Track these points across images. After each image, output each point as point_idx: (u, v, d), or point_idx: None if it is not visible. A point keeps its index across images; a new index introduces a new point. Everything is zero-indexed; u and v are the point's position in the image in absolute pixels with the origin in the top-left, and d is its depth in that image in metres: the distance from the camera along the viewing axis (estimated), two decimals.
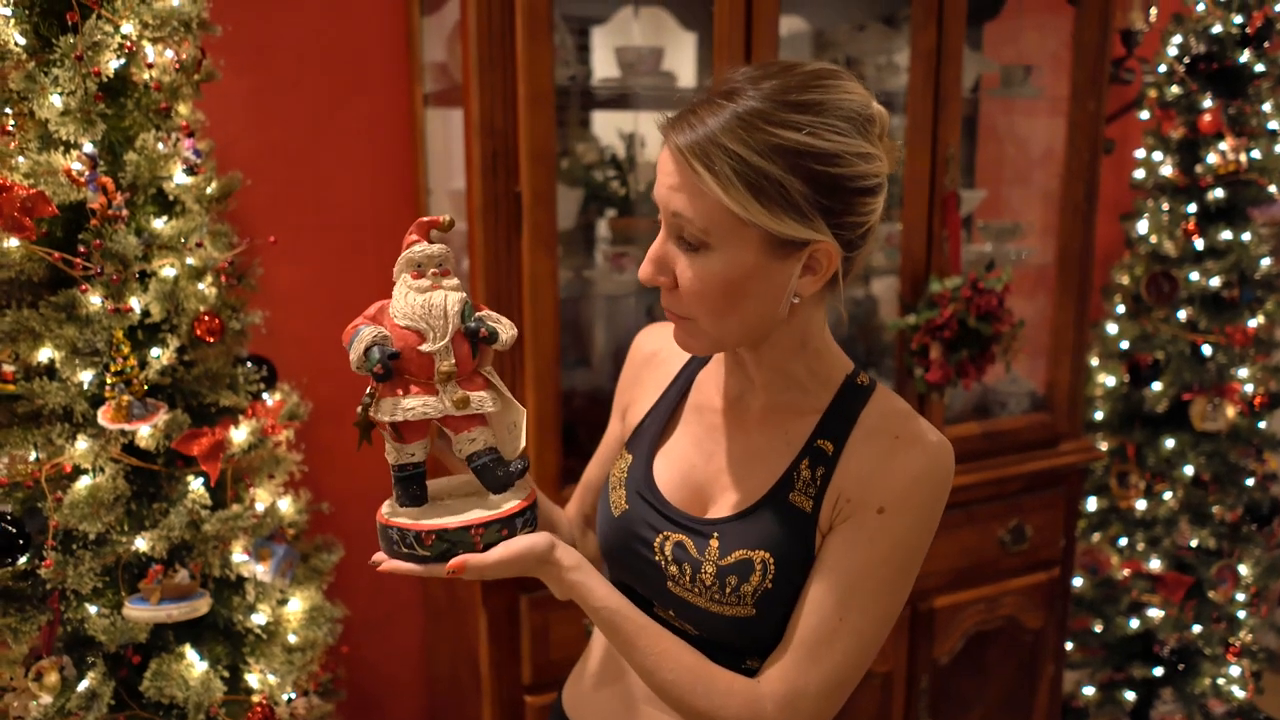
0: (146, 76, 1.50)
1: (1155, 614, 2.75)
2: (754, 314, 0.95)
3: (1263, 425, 2.74)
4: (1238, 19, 2.56)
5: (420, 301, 0.95)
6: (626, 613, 1.00)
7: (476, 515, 0.98)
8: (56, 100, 1.39)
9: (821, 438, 1.01)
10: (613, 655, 1.15)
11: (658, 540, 1.05)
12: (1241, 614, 2.78)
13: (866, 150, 0.91)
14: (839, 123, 0.90)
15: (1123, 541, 2.84)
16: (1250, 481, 2.72)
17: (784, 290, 0.94)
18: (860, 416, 1.02)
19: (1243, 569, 2.74)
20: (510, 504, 1.00)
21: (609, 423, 1.27)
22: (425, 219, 0.99)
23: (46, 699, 1.46)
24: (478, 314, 0.98)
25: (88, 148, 1.42)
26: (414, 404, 0.95)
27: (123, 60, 1.46)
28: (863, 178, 0.92)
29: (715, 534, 1.02)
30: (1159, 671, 2.80)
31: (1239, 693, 2.77)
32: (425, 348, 0.95)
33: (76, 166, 1.41)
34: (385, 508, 1.04)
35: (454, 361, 0.95)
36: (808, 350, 1.03)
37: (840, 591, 0.97)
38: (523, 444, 1.00)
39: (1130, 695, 2.89)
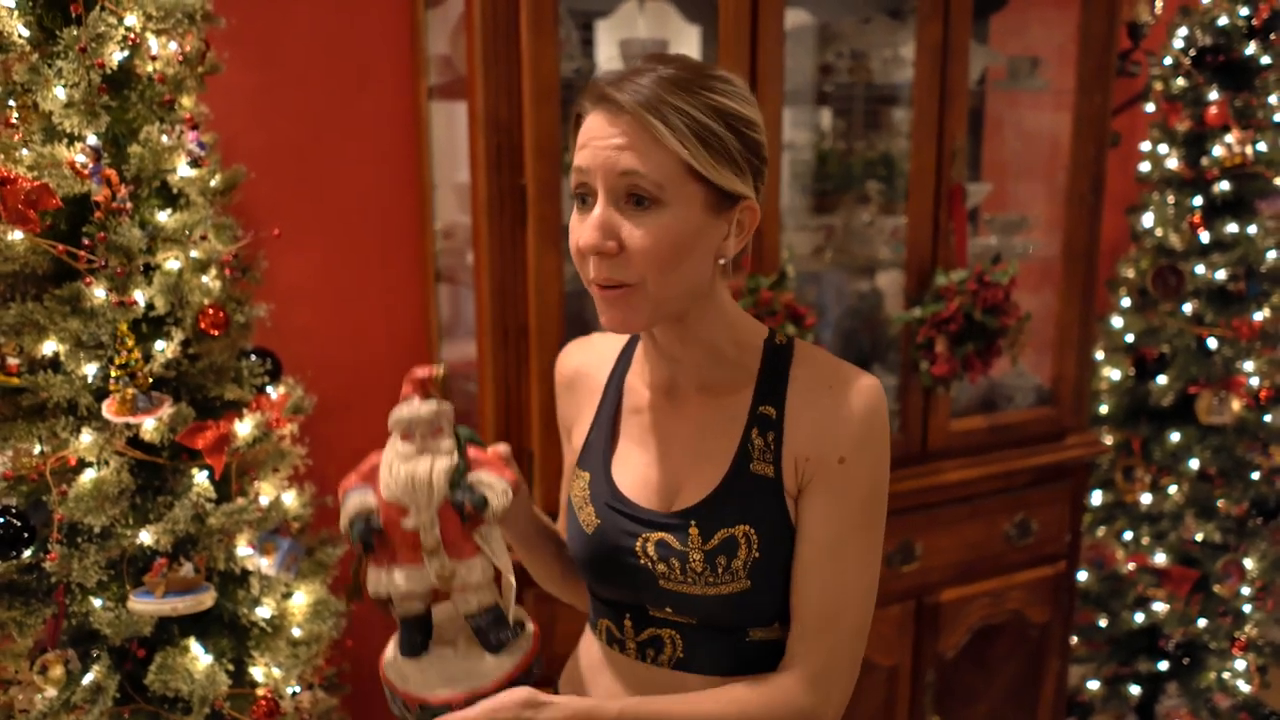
0: (150, 69, 1.50)
1: (1161, 608, 2.74)
2: (693, 274, 0.98)
3: (1269, 419, 2.73)
4: (1244, 11, 2.54)
5: (405, 473, 0.93)
6: (643, 706, 1.01)
7: (464, 688, 0.96)
8: (60, 92, 1.39)
9: (762, 404, 1.04)
10: (602, 657, 1.16)
11: (638, 545, 1.06)
12: (1247, 608, 2.77)
13: (761, 124, 0.99)
14: (747, 94, 0.99)
15: (1128, 536, 2.83)
16: (1256, 475, 2.71)
17: (715, 251, 0.99)
18: (790, 375, 1.05)
19: (1248, 563, 2.73)
20: (505, 669, 0.98)
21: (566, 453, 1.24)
22: (419, 374, 0.96)
23: (51, 692, 1.46)
24: (471, 476, 0.95)
25: (92, 140, 1.41)
26: (399, 580, 0.95)
27: (126, 52, 1.45)
28: (764, 147, 1.00)
29: (692, 522, 1.03)
30: (1164, 666, 2.80)
31: (1244, 687, 2.77)
32: (408, 524, 0.93)
33: (80, 159, 1.41)
34: (388, 651, 1.03)
35: (438, 535, 0.93)
36: (726, 319, 1.06)
37: (830, 554, 1.02)
38: (513, 607, 1.00)
39: (1135, 690, 2.89)
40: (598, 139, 0.95)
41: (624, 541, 1.07)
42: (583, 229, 0.96)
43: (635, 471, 1.10)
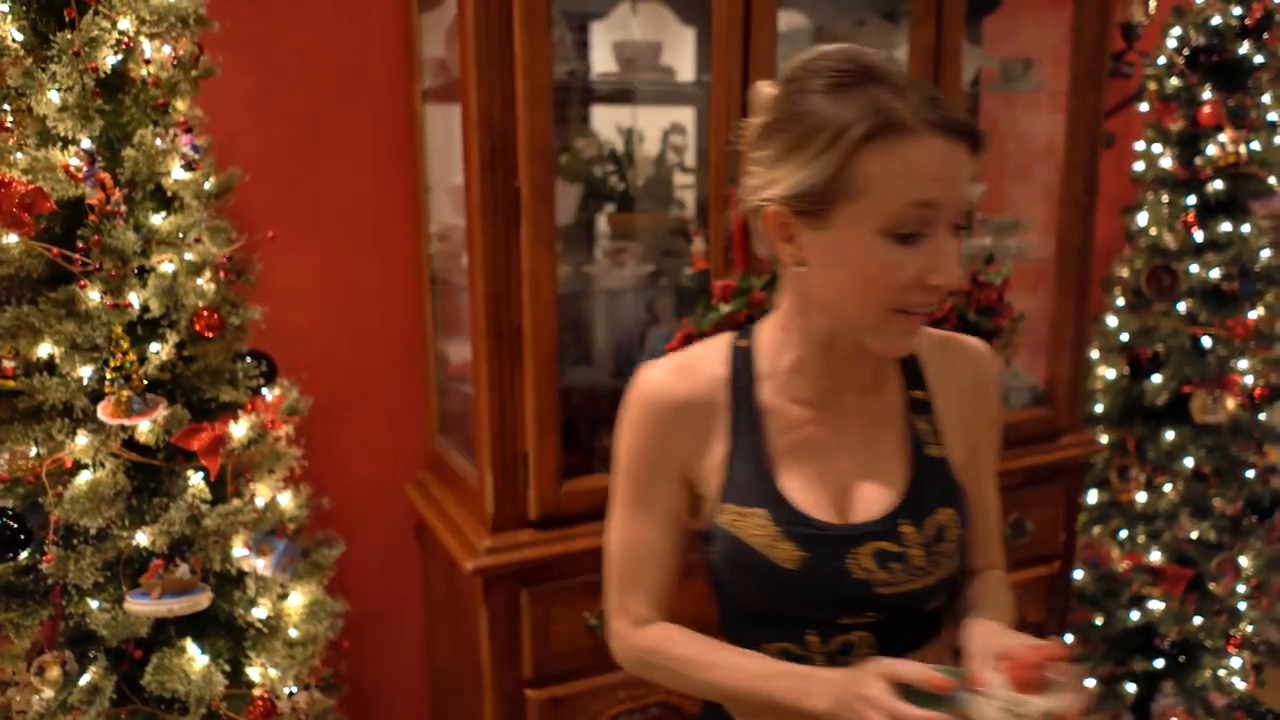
0: (144, 72, 1.50)
1: (1156, 607, 2.75)
2: None
3: (1263, 418, 2.73)
4: (1237, 11, 2.55)
5: None
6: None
7: None
8: (54, 96, 1.39)
9: (912, 390, 1.11)
10: None
11: (849, 562, 1.04)
12: (1242, 606, 2.78)
13: None
14: None
15: (1123, 535, 2.84)
16: (1251, 474, 2.72)
17: None
18: (920, 358, 1.12)
19: (1243, 561, 2.74)
20: None
21: (648, 490, 1.13)
22: (1037, 658, 0.89)
23: (48, 693, 1.47)
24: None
25: (86, 143, 1.42)
26: None
27: (120, 56, 1.46)
28: None
29: (902, 521, 1.05)
30: (1160, 664, 2.80)
31: (1240, 685, 2.77)
32: None
33: (74, 162, 1.41)
34: None
35: None
36: None
37: (992, 484, 1.18)
38: None
39: (1131, 688, 2.89)
40: (950, 171, 0.92)
41: (835, 565, 1.04)
42: (950, 266, 0.93)
43: (811, 492, 1.06)
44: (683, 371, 1.11)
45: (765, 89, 1.02)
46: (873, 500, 1.06)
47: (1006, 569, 1.22)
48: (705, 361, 1.12)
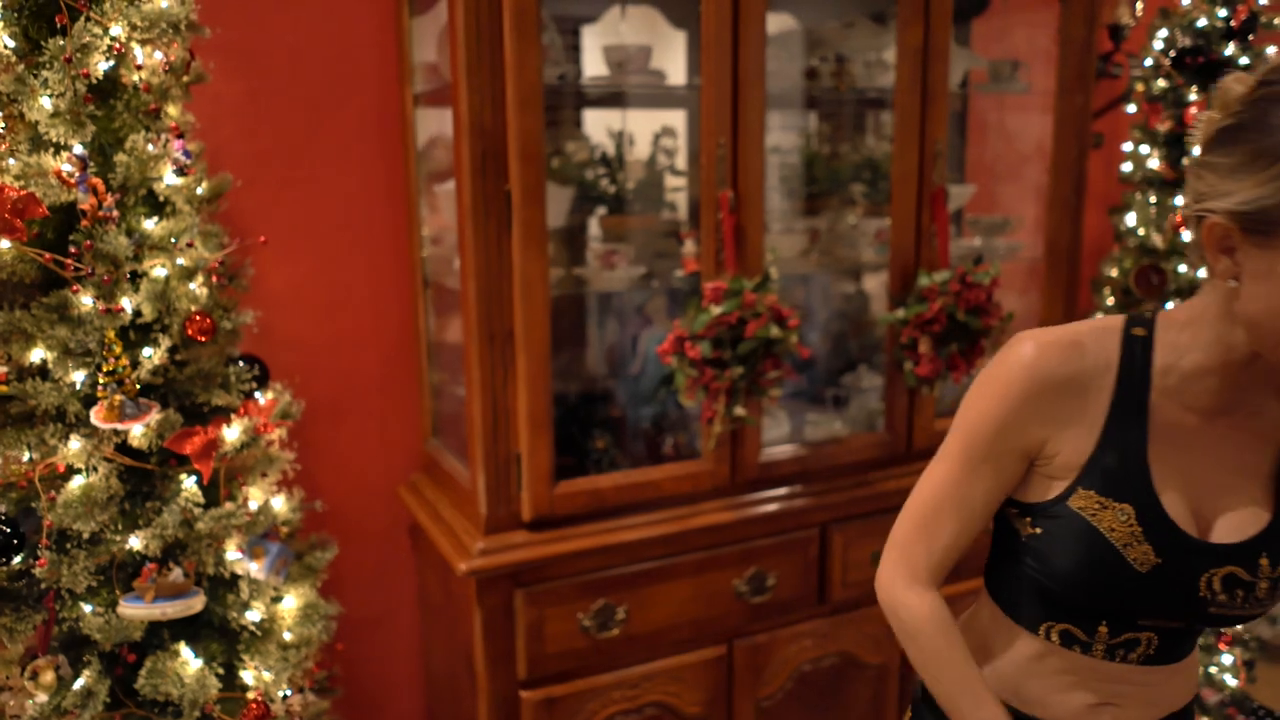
0: (136, 78, 1.51)
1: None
2: None
3: None
4: (1222, 12, 2.57)
5: None
6: None
7: None
8: (46, 102, 1.40)
9: None
10: (1045, 649, 1.12)
11: (1203, 580, 1.04)
12: None
13: None
14: None
15: None
16: None
17: None
18: None
19: None
20: None
21: (990, 452, 1.09)
22: None
23: (42, 697, 1.47)
24: None
25: (78, 149, 1.42)
26: None
27: (112, 62, 1.47)
28: None
29: (1263, 552, 1.03)
30: None
31: (1232, 681, 2.78)
32: None
33: (67, 168, 1.42)
34: None
35: None
36: None
37: None
38: None
39: None
40: None
41: (1186, 579, 1.03)
42: None
43: (1179, 501, 1.04)
44: (1073, 349, 1.06)
45: (1235, 86, 0.95)
46: (1236, 523, 1.04)
47: None
48: (1098, 343, 1.07)
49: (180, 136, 1.56)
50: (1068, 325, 1.09)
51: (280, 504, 1.72)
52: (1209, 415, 1.05)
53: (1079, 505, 1.05)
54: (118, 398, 1.45)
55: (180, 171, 1.54)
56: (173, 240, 1.52)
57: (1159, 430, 1.05)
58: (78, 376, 1.46)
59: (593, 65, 2.25)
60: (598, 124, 2.37)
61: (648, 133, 2.38)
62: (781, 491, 2.08)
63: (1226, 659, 2.79)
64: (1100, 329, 1.08)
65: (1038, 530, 1.09)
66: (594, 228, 2.28)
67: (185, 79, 1.61)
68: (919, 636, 1.13)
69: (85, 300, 1.44)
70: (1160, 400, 1.05)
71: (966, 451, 1.10)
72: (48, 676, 1.48)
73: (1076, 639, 1.10)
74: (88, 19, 1.42)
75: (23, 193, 1.37)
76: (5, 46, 1.40)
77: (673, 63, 2.30)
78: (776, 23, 2.30)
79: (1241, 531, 1.03)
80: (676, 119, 2.42)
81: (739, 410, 1.89)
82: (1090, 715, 1.11)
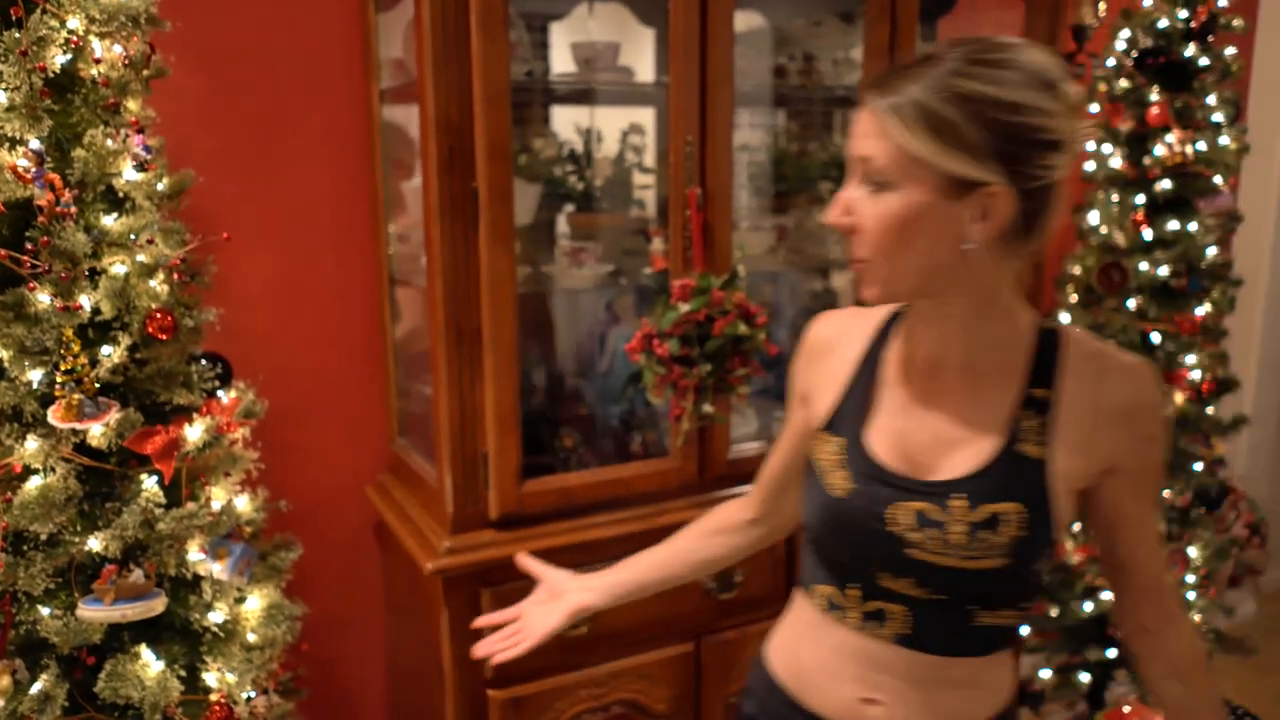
0: (94, 72, 1.48)
1: (1109, 597, 2.80)
2: (925, 255, 1.01)
3: (1210, 411, 2.80)
4: (1183, 14, 2.61)
5: None
6: None
7: None
8: (1, 96, 1.37)
9: (1035, 388, 1.09)
10: (819, 619, 1.20)
11: (889, 510, 1.08)
12: (1191, 596, 2.84)
13: (1045, 106, 0.97)
14: (1019, 76, 0.97)
15: (1076, 527, 2.89)
16: (1199, 467, 2.78)
17: (956, 234, 1.00)
18: (1064, 358, 1.10)
19: (1192, 552, 2.80)
20: None
21: (787, 415, 1.35)
22: None
23: None
24: None
25: (34, 144, 1.40)
26: None
27: (69, 56, 1.44)
28: (1040, 130, 0.97)
29: (956, 494, 1.07)
30: (1113, 653, 2.86)
31: None
32: None
33: (23, 163, 1.39)
34: None
35: None
36: (997, 307, 1.09)
37: (1149, 525, 1.14)
38: None
39: (1085, 677, 2.95)
40: (855, 127, 1.04)
41: (876, 508, 1.09)
42: (832, 203, 1.06)
43: (889, 441, 1.13)
44: (835, 319, 1.28)
45: None
46: (945, 470, 1.09)
47: (1183, 611, 1.19)
48: (869, 316, 1.23)
49: (140, 131, 1.53)
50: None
51: (244, 504, 1.70)
52: (929, 370, 1.13)
53: (813, 445, 1.20)
54: (76, 397, 1.42)
55: (140, 167, 1.52)
56: (132, 237, 1.50)
57: (887, 382, 1.16)
58: (34, 375, 1.43)
59: (560, 62, 2.24)
60: (565, 121, 2.36)
61: (616, 130, 2.38)
62: (750, 488, 2.08)
63: None
64: (885, 308, 1.21)
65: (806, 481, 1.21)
66: (562, 225, 2.27)
67: (145, 73, 1.59)
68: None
69: (42, 298, 1.41)
70: (892, 357, 1.17)
71: (787, 403, 1.34)
72: (3, 681, 1.45)
73: (835, 604, 1.16)
74: (44, 11, 1.39)
75: None
76: None
77: (641, 60, 2.30)
78: (745, 20, 2.30)
79: (946, 475, 1.09)
80: (645, 116, 2.42)
81: (707, 407, 1.89)
82: (858, 712, 1.14)
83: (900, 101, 0.97)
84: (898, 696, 1.12)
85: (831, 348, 1.23)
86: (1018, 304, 1.11)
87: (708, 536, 1.43)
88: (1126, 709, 2.81)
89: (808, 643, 1.21)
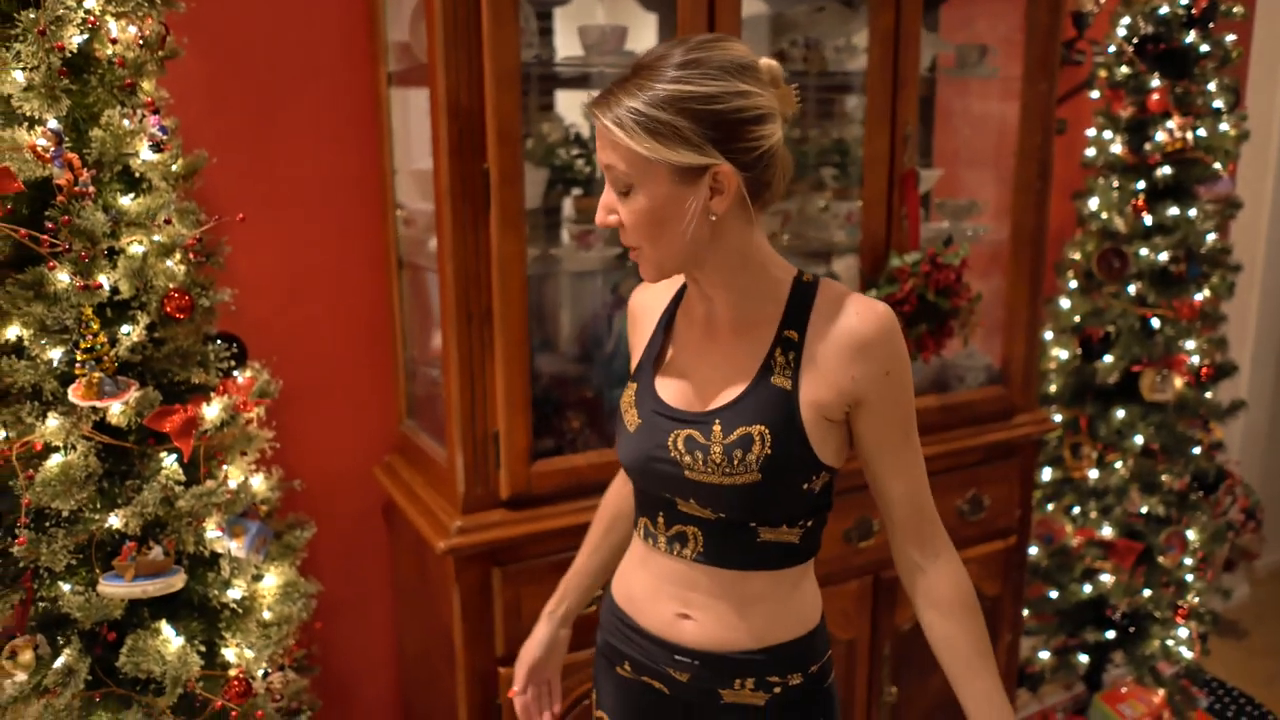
0: (110, 52, 1.49)
1: (1107, 580, 2.84)
2: (680, 235, 1.17)
3: (1208, 396, 2.83)
4: (1183, 1, 2.63)
5: None
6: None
7: None
8: (19, 76, 1.38)
9: (786, 329, 1.24)
10: (642, 549, 1.37)
11: (669, 439, 1.25)
12: (1189, 578, 2.88)
13: (742, 89, 1.12)
14: (714, 70, 1.12)
15: (1076, 510, 2.93)
16: (1197, 450, 2.81)
17: (700, 212, 1.15)
18: (814, 304, 1.24)
19: (1190, 535, 2.83)
20: None
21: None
22: None
23: (21, 676, 1.46)
24: None
25: (53, 124, 1.41)
26: None
27: (86, 35, 1.45)
28: (740, 110, 1.12)
29: (716, 420, 1.23)
30: (1111, 635, 2.90)
31: (1187, 654, 2.87)
32: None
33: (41, 143, 1.40)
34: None
35: None
36: (752, 264, 1.24)
37: (899, 455, 1.25)
38: None
39: (1084, 658, 2.99)
40: (598, 139, 1.17)
41: (659, 437, 1.26)
42: (598, 207, 1.21)
43: (674, 381, 1.31)
44: (648, 289, 1.43)
45: None
46: (712, 404, 1.26)
47: (949, 549, 1.30)
48: (667, 284, 1.40)
49: (156, 112, 1.55)
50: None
51: (259, 483, 1.72)
52: (705, 326, 1.30)
53: (622, 393, 1.36)
54: (96, 375, 1.44)
55: (156, 147, 1.53)
56: (149, 217, 1.51)
57: (677, 334, 1.34)
58: (55, 354, 1.44)
59: (565, 46, 2.25)
60: (571, 105, 2.37)
61: None
62: None
63: (1183, 632, 2.88)
64: (681, 276, 1.33)
65: None
66: (568, 208, 2.29)
67: (160, 54, 1.60)
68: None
69: (62, 277, 1.42)
70: (681, 313, 1.35)
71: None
72: (26, 656, 1.47)
73: (650, 531, 1.33)
74: None
75: None
76: None
77: (644, 44, 2.31)
78: (747, 6, 2.31)
79: (712, 406, 1.25)
80: None
81: None
82: (675, 626, 1.30)
83: (620, 114, 1.12)
84: (706, 610, 1.28)
85: (643, 311, 1.42)
86: (771, 260, 1.26)
87: (614, 523, 1.55)
88: (1124, 690, 2.85)
89: (636, 570, 1.37)
